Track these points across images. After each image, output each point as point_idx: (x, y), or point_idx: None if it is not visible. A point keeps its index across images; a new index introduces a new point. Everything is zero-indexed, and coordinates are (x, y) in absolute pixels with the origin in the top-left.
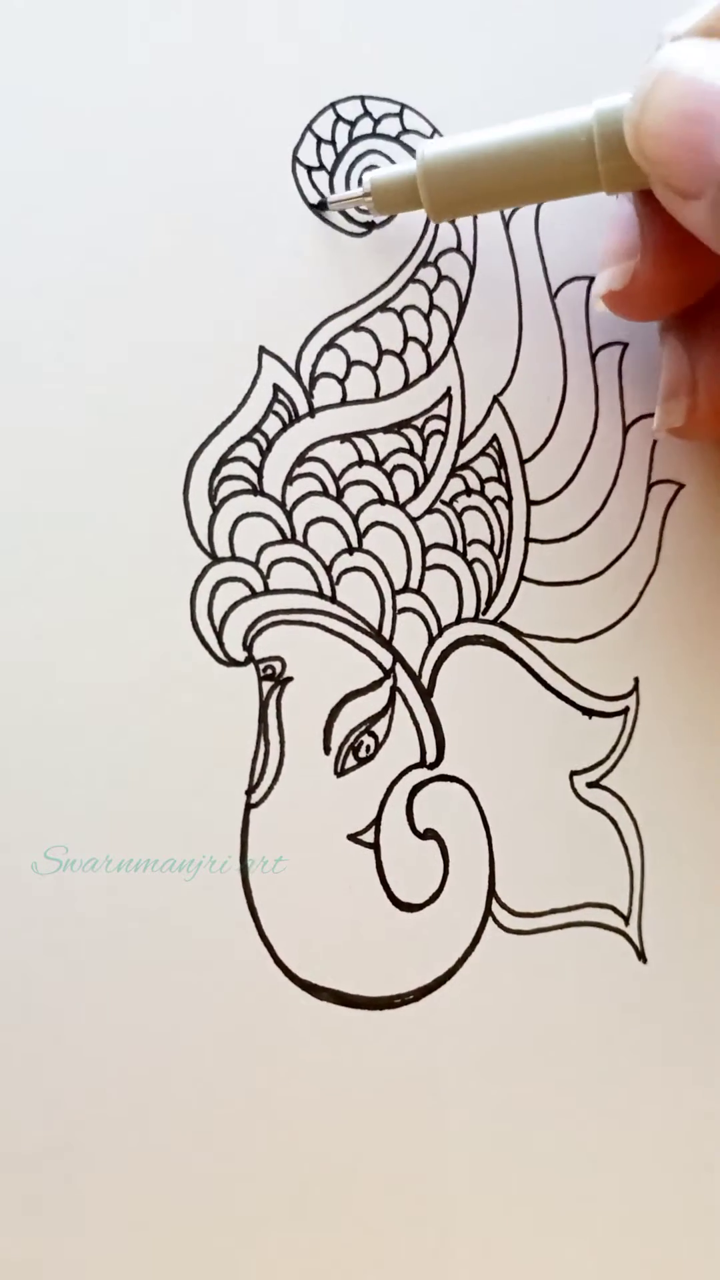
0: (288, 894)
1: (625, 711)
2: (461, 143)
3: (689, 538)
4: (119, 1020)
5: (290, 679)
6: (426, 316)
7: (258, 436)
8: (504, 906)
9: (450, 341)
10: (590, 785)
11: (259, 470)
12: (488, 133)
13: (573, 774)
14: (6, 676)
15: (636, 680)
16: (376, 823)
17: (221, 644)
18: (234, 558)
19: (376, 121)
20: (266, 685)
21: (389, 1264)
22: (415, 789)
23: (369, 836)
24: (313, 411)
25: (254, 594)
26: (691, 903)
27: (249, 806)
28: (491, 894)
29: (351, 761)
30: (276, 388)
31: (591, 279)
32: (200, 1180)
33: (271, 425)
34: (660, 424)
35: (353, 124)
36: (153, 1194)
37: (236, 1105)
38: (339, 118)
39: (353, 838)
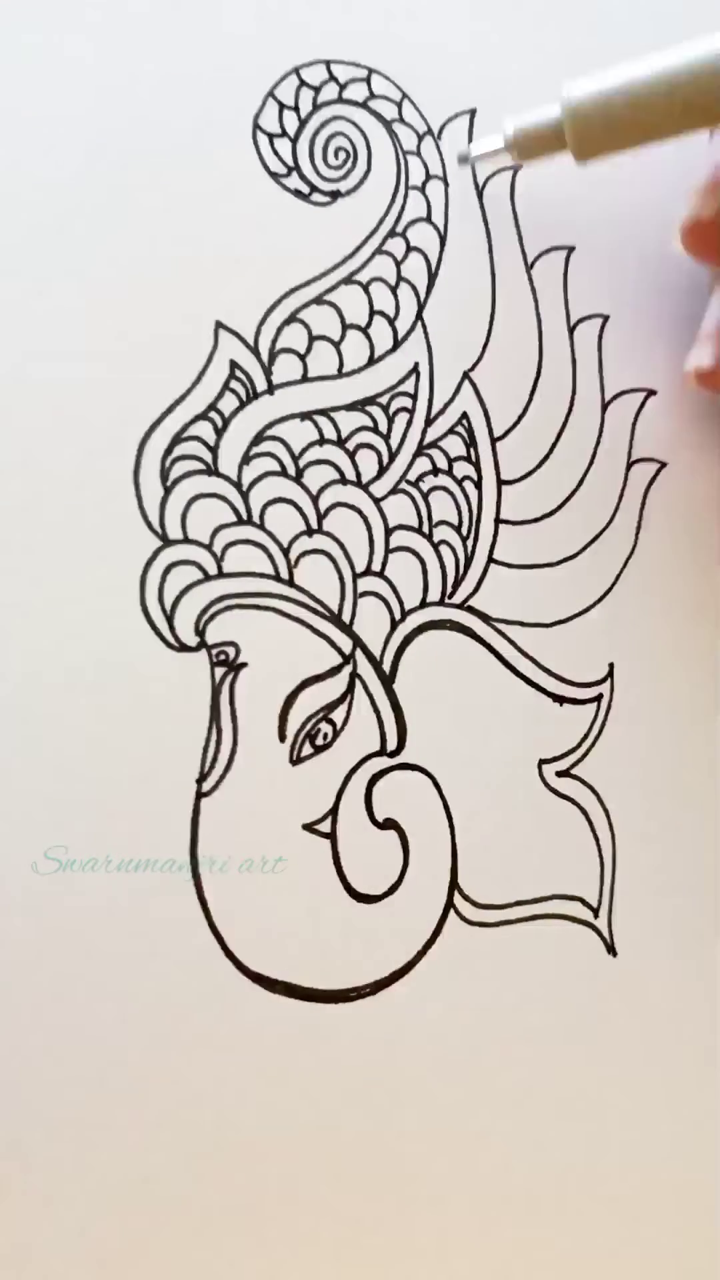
0: (240, 885)
1: (599, 698)
2: (606, 80)
3: (671, 518)
4: (68, 1014)
5: (244, 665)
6: (394, 289)
7: (213, 415)
8: (466, 898)
9: (418, 315)
10: (560, 774)
11: (214, 450)
12: (630, 67)
13: (542, 762)
14: None
15: (611, 666)
16: (333, 812)
17: (173, 629)
18: (186, 540)
19: (342, 86)
20: (219, 671)
21: (343, 1259)
22: (375, 778)
23: (325, 826)
24: (271, 389)
25: (207, 577)
26: (663, 895)
27: (199, 795)
28: (454, 885)
29: (308, 749)
30: (233, 364)
31: (571, 248)
32: (156, 1173)
33: (228, 403)
34: (689, 364)
35: (317, 89)
36: (113, 1182)
37: (188, 1101)
38: (302, 82)
39: (308, 827)
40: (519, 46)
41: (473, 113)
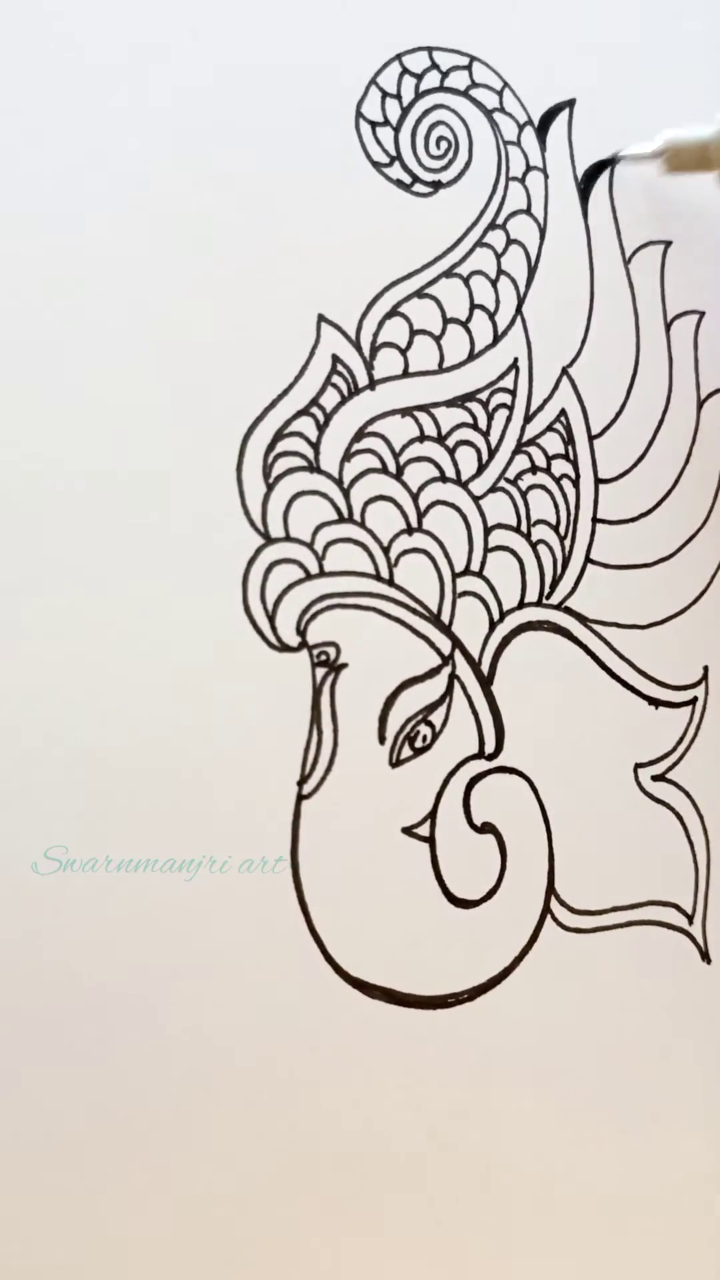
0: (340, 889)
1: (694, 701)
2: None
3: None
4: (160, 1016)
5: (345, 665)
6: (494, 283)
7: (315, 410)
8: (564, 904)
9: (518, 309)
10: (655, 778)
11: (316, 446)
12: None
13: (637, 766)
14: (50, 659)
15: (706, 669)
16: (432, 816)
17: (274, 628)
18: (288, 538)
19: (444, 75)
20: (320, 672)
21: (438, 1262)
22: (473, 781)
23: (424, 830)
24: (373, 384)
25: (309, 576)
26: None
27: (300, 798)
28: (550, 891)
29: (407, 752)
30: (335, 358)
31: (668, 243)
32: (243, 1181)
33: (330, 398)
34: None
35: (419, 77)
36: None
37: (286, 1104)
38: (405, 70)
39: (408, 831)
40: (614, 37)
41: (571, 103)
